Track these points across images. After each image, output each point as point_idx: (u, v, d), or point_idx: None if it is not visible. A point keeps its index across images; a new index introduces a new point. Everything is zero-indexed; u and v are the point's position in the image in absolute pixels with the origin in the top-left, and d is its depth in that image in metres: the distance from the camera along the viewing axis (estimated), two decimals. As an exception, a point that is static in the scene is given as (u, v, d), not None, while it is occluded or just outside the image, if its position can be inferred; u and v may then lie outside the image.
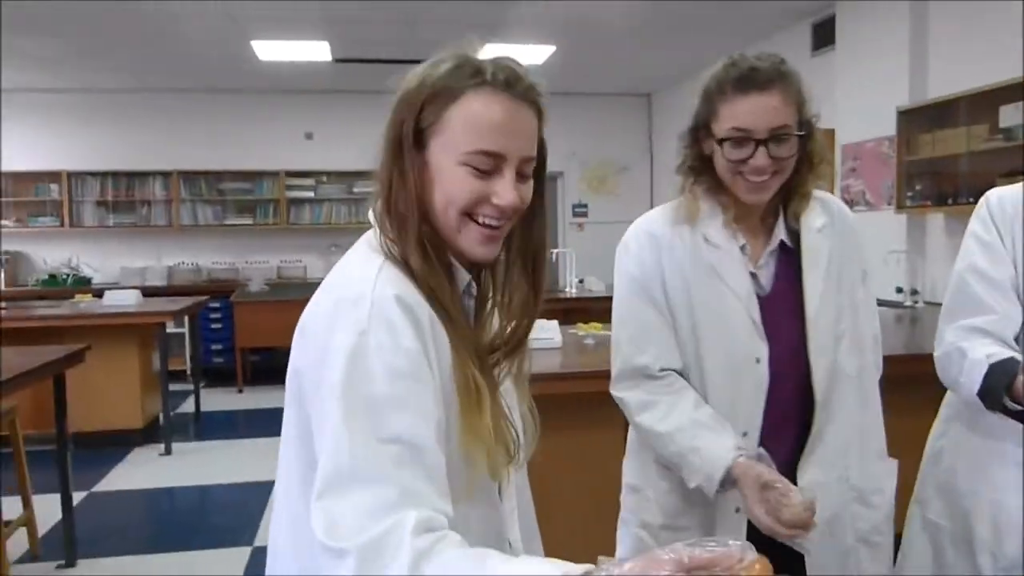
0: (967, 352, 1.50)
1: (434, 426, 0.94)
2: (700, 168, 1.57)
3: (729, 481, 1.46)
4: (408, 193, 1.03)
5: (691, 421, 1.52)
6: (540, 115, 1.07)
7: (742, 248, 1.56)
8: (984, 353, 1.48)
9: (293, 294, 7.23)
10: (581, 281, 7.04)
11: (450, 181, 1.02)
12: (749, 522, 1.49)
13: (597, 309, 4.70)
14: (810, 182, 1.57)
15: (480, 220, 1.03)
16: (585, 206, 9.65)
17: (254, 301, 7.58)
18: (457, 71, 1.02)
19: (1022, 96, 4.24)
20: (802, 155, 1.52)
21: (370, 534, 0.84)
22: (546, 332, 3.30)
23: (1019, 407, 1.41)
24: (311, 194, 8.87)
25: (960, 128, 4.76)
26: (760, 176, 1.47)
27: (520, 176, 1.05)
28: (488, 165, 1.01)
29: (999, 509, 1.58)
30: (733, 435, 1.49)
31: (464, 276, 1.10)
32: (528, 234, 1.13)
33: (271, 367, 7.62)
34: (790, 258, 1.59)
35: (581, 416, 2.65)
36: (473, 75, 1.01)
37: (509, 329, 1.11)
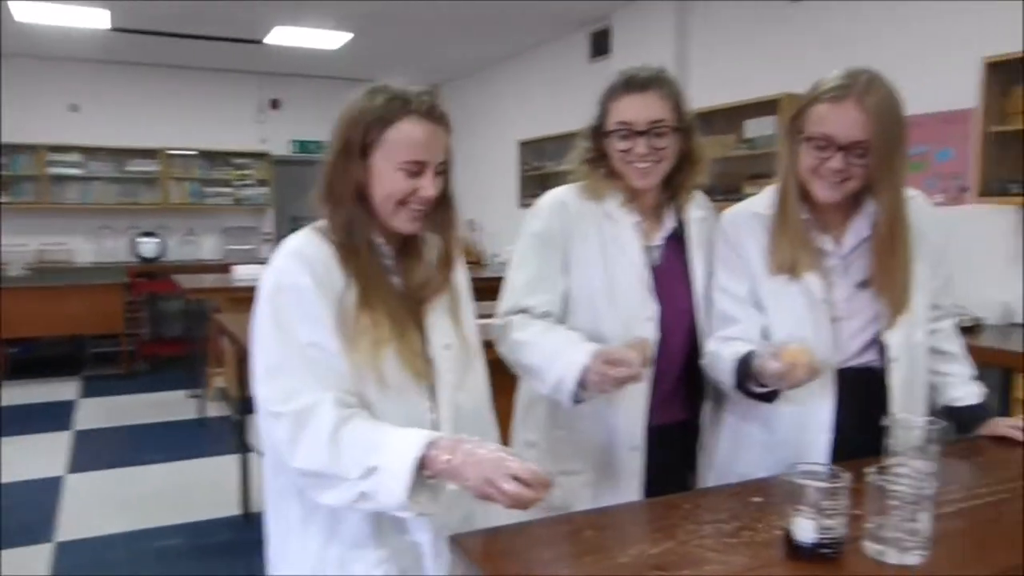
0: (721, 355, 1.75)
1: (333, 337, 1.35)
2: (598, 161, 1.83)
3: (583, 386, 1.65)
4: (346, 187, 1.42)
5: (561, 337, 1.74)
6: (449, 131, 1.47)
7: (637, 224, 1.83)
8: (731, 354, 1.73)
9: (58, 279, 6.76)
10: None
11: (390, 181, 1.41)
12: (647, 462, 1.79)
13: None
14: (691, 178, 1.85)
15: (410, 207, 1.43)
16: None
17: (12, 287, 6.98)
18: (391, 103, 1.41)
19: (761, 112, 4.95)
20: (685, 154, 1.81)
21: (299, 404, 1.31)
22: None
23: (765, 389, 1.67)
24: (78, 171, 8.27)
25: (714, 136, 5.43)
26: (644, 163, 1.75)
27: (437, 175, 1.44)
28: (416, 169, 1.41)
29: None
30: (594, 349, 1.67)
31: (386, 248, 1.48)
32: (443, 212, 1.51)
33: (34, 360, 7.11)
34: (678, 243, 1.88)
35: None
36: (403, 106, 1.41)
37: (433, 277, 1.51)
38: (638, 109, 1.75)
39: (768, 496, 1.46)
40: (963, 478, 1.58)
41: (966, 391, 1.85)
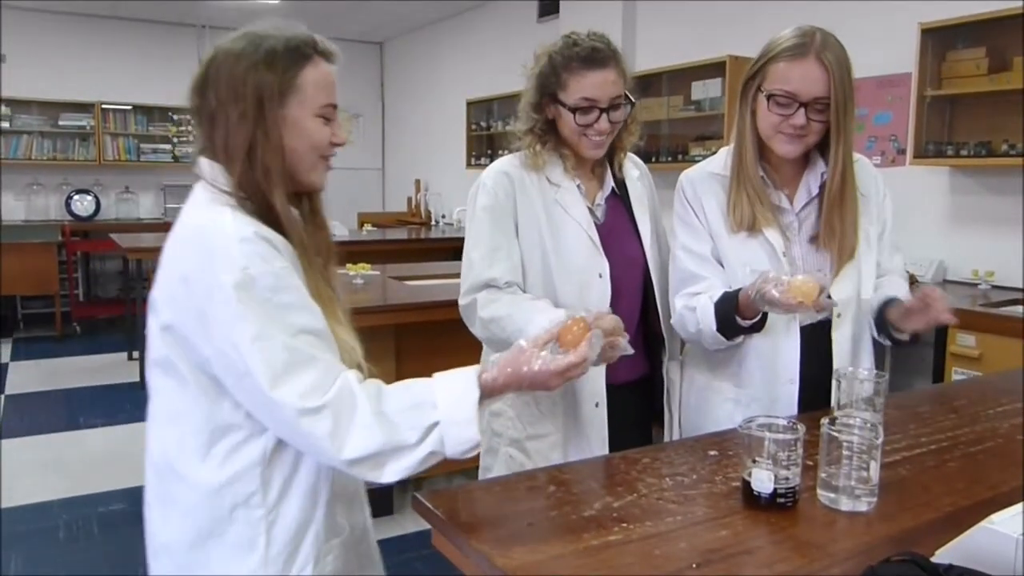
0: (695, 307, 1.77)
1: (320, 317, 1.23)
2: (544, 131, 1.86)
3: None
4: (274, 146, 1.25)
5: (530, 305, 1.76)
6: None
7: (579, 187, 1.88)
8: (707, 299, 1.75)
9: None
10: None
11: (311, 130, 1.28)
12: (611, 418, 1.83)
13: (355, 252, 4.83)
14: (627, 139, 1.94)
15: (327, 157, 1.33)
16: (316, 152, 9.57)
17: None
18: (295, 47, 1.27)
19: (708, 75, 4.99)
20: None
21: (331, 393, 1.16)
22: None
23: (751, 321, 1.69)
24: (5, 124, 7.90)
25: (662, 98, 5.46)
26: (602, 136, 1.81)
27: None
28: (331, 114, 1.31)
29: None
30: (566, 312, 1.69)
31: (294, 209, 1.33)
32: None
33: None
34: (619, 201, 1.94)
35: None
36: (310, 48, 1.28)
37: (327, 238, 1.43)
38: (601, 86, 1.77)
39: (724, 449, 1.50)
40: (905, 428, 1.64)
41: (894, 289, 1.83)
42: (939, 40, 3.72)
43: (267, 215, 1.25)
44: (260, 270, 1.17)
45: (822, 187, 1.75)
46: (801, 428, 1.25)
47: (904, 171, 4.06)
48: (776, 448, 1.23)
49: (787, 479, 1.23)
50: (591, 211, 1.89)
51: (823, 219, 1.75)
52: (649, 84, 5.49)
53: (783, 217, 1.78)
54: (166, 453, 1.31)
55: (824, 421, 1.28)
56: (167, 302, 1.24)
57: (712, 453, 1.50)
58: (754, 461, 1.25)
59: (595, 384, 1.85)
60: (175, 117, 8.55)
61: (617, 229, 1.93)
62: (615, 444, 1.85)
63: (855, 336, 1.79)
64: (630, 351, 1.40)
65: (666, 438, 1.96)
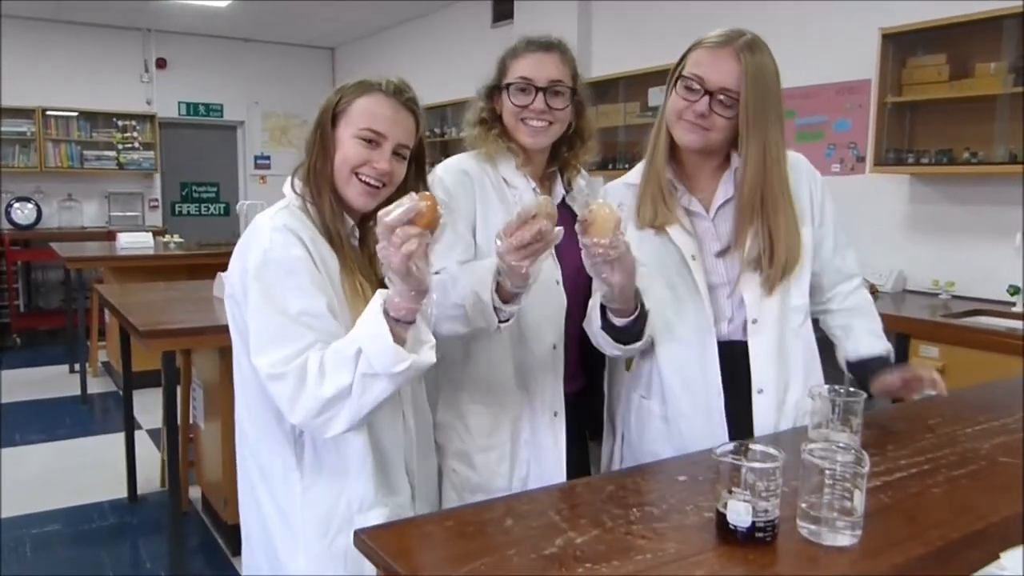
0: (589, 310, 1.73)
1: (324, 303, 1.40)
2: (491, 120, 1.82)
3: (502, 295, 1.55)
4: (326, 157, 1.50)
5: (466, 267, 1.69)
6: (418, 121, 1.56)
7: (535, 190, 1.81)
8: (594, 300, 1.70)
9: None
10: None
11: (347, 148, 1.49)
12: (567, 423, 1.78)
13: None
14: (579, 156, 1.89)
15: (362, 178, 1.49)
16: (268, 158, 9.37)
17: None
18: (364, 82, 1.53)
19: (665, 81, 4.92)
20: (575, 130, 1.84)
21: (293, 364, 1.35)
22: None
23: (624, 320, 1.63)
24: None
25: (618, 104, 5.40)
26: (540, 121, 1.74)
27: (396, 156, 1.51)
28: (373, 139, 1.48)
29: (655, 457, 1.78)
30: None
31: (349, 221, 1.55)
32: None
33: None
34: (566, 210, 1.85)
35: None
36: (374, 84, 1.52)
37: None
38: (539, 66, 1.75)
39: (693, 474, 1.40)
40: (883, 449, 1.56)
41: (867, 343, 1.81)
42: (900, 46, 3.69)
43: (321, 219, 1.49)
44: (279, 254, 1.41)
45: (736, 187, 1.69)
46: (781, 455, 1.14)
47: (863, 179, 4.03)
48: (754, 477, 1.13)
49: (766, 511, 1.13)
50: None
51: (733, 225, 1.68)
52: (606, 90, 5.43)
53: (698, 222, 1.72)
54: (239, 414, 1.57)
55: (803, 447, 1.18)
56: (232, 274, 1.49)
57: (681, 479, 1.40)
58: (730, 491, 1.14)
59: (554, 392, 1.78)
60: (120, 123, 8.29)
61: (567, 238, 1.83)
62: None
63: (780, 348, 1.70)
64: (556, 233, 1.41)
65: (605, 455, 1.88)
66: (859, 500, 1.15)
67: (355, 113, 1.50)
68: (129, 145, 8.39)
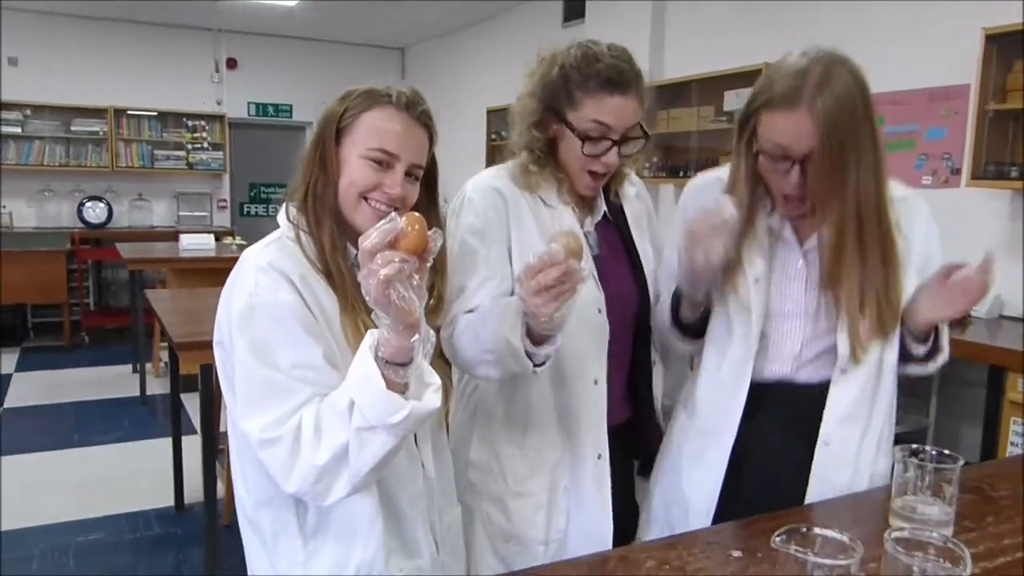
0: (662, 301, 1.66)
1: (320, 353, 1.21)
2: (545, 152, 1.60)
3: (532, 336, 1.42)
4: (328, 179, 1.29)
5: (494, 305, 1.51)
6: (431, 136, 1.36)
7: (573, 210, 1.63)
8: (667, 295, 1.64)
9: (-4, 245, 6.34)
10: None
11: (354, 170, 1.29)
12: (614, 470, 1.61)
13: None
14: (630, 164, 1.71)
15: (372, 203, 1.29)
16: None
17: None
18: (372, 92, 1.31)
19: (742, 83, 4.65)
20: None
21: (286, 427, 1.17)
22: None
23: (692, 316, 1.58)
24: (17, 129, 7.70)
25: (691, 108, 5.14)
26: (608, 170, 1.56)
27: (409, 177, 1.31)
28: (384, 160, 1.29)
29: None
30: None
31: (352, 251, 1.31)
32: None
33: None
34: (611, 226, 1.70)
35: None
36: (383, 95, 1.31)
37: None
38: (619, 114, 1.52)
39: (751, 549, 1.19)
40: (981, 522, 1.31)
41: None
42: (1005, 48, 3.35)
43: (319, 251, 1.29)
44: (264, 299, 1.22)
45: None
46: (860, 550, 0.92)
47: (958, 193, 3.69)
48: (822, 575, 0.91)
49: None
50: (586, 238, 1.62)
51: (827, 271, 1.48)
52: (679, 93, 5.18)
53: (783, 249, 1.55)
54: (235, 476, 1.37)
55: (887, 536, 0.95)
56: (220, 319, 1.29)
57: (735, 555, 1.18)
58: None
59: (597, 433, 1.61)
60: (189, 123, 8.37)
61: (611, 258, 1.68)
62: None
63: (860, 400, 1.50)
64: (585, 273, 1.28)
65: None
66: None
67: (362, 129, 1.30)
68: (198, 145, 8.46)
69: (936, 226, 1.59)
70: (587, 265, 1.32)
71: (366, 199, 1.30)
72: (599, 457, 1.61)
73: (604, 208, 1.68)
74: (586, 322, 1.56)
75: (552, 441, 1.62)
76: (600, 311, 1.59)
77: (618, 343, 1.63)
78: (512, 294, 1.56)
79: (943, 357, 1.53)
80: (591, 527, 1.61)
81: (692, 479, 1.58)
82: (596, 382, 1.60)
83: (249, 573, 1.40)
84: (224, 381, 1.31)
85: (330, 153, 1.30)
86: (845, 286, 1.46)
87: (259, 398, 1.20)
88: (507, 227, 1.60)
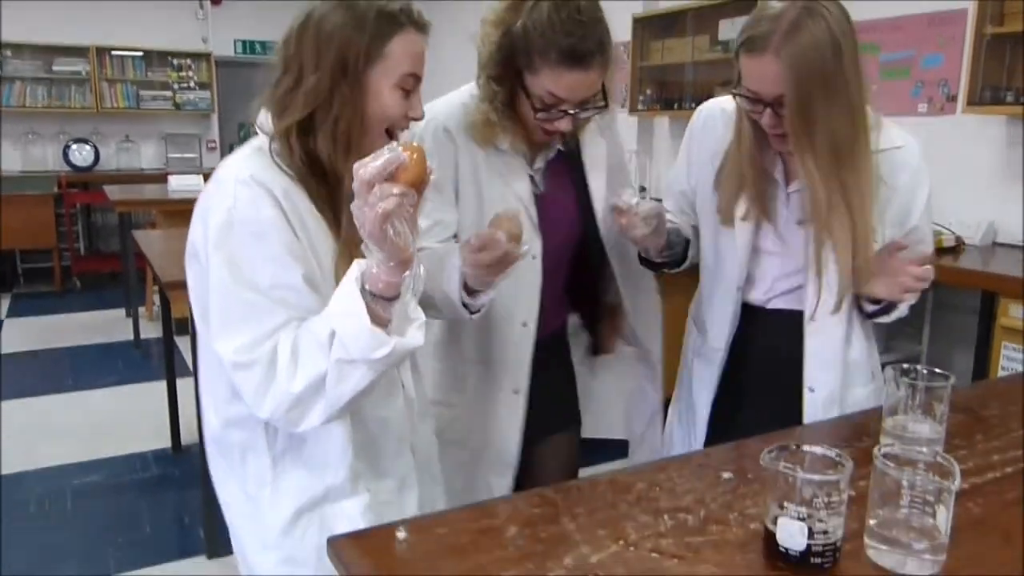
0: None
1: (301, 274, 1.17)
2: (506, 104, 1.55)
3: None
4: (353, 111, 1.21)
5: (436, 254, 1.52)
6: None
7: (523, 155, 1.62)
8: None
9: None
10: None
11: (387, 100, 1.23)
12: (529, 407, 1.69)
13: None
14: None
15: (396, 132, 1.28)
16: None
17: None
18: (388, 14, 1.22)
19: (738, 12, 4.54)
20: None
21: (260, 351, 1.14)
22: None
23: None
24: (-4, 70, 7.50)
25: (686, 38, 5.04)
26: (561, 131, 1.55)
27: None
28: (413, 86, 1.26)
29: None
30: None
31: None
32: None
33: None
34: (563, 162, 1.68)
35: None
36: (405, 16, 1.24)
37: None
38: (574, 88, 1.48)
39: (742, 470, 1.19)
40: (970, 440, 1.32)
41: None
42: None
43: (310, 176, 1.23)
44: (244, 215, 1.16)
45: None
46: (848, 465, 0.92)
47: (953, 120, 3.65)
48: (811, 491, 0.91)
49: (825, 532, 0.91)
50: (532, 178, 1.65)
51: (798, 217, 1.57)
52: (673, 23, 5.07)
53: (774, 190, 1.59)
54: (203, 399, 1.34)
55: (876, 451, 0.95)
56: (194, 233, 1.22)
57: (726, 476, 1.19)
58: (781, 506, 0.93)
59: (517, 370, 1.69)
60: (175, 62, 8.19)
61: (557, 198, 1.69)
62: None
63: (834, 346, 1.60)
64: (524, 250, 1.35)
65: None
66: (943, 520, 0.92)
67: (394, 57, 1.22)
68: (185, 85, 8.30)
69: (927, 180, 1.57)
70: (526, 247, 1.37)
71: (390, 129, 1.27)
72: (515, 392, 1.69)
73: (558, 145, 1.66)
74: (519, 267, 1.52)
75: (472, 368, 1.72)
76: (535, 257, 1.62)
77: (550, 292, 1.67)
78: (455, 236, 1.63)
79: (899, 312, 1.57)
80: (496, 457, 1.72)
81: (696, 389, 1.75)
82: (525, 324, 1.66)
83: (220, 498, 1.40)
84: (195, 300, 1.26)
85: (355, 82, 1.21)
86: (814, 232, 1.50)
87: (235, 319, 1.16)
88: (455, 170, 1.60)
